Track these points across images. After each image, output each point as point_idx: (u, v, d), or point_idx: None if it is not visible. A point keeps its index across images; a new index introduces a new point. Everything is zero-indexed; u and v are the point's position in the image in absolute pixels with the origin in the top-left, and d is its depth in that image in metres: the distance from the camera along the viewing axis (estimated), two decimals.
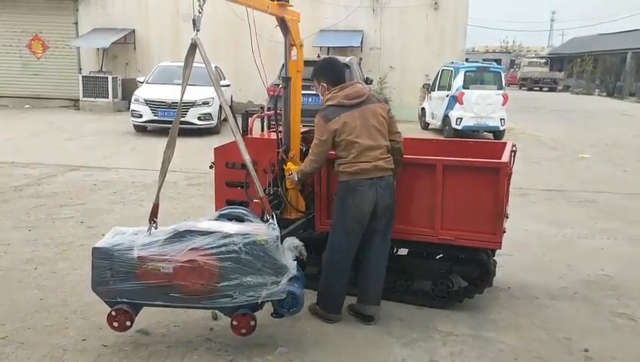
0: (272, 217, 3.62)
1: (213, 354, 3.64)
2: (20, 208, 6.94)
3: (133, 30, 19.19)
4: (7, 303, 4.31)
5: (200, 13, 3.47)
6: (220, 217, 3.72)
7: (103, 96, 17.95)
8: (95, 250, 3.52)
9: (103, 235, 5.87)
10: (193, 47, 3.47)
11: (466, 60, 16.55)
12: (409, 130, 15.03)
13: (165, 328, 3.96)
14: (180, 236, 3.52)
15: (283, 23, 4.42)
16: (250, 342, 3.72)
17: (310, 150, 4.06)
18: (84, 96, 18.09)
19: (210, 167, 4.98)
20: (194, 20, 3.45)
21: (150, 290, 3.50)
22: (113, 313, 3.54)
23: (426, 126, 15.97)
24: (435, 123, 15.05)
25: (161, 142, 12.53)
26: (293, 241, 3.67)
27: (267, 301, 3.54)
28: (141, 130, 14.01)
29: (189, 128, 13.50)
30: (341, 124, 3.86)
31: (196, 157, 10.60)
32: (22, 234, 5.94)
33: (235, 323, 3.52)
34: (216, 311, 4.03)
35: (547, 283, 4.99)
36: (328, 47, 17.57)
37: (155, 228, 3.58)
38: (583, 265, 5.48)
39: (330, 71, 4.14)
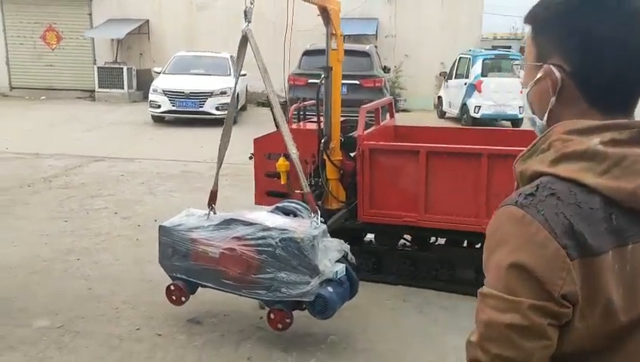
0: (317, 213, 3.62)
1: (265, 342, 3.69)
2: (51, 199, 7.00)
3: (147, 21, 19.15)
4: (56, 293, 4.37)
5: (252, 4, 3.49)
6: (276, 210, 3.75)
7: (119, 86, 17.95)
8: (160, 228, 3.77)
9: (139, 226, 6.05)
10: (244, 38, 3.50)
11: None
12: (427, 119, 15.02)
13: (215, 317, 4.01)
14: (227, 223, 3.60)
15: (325, 12, 4.43)
16: (301, 332, 3.77)
17: (479, 336, 1.00)
18: (99, 87, 18.11)
19: (250, 158, 5.01)
20: (245, 12, 3.47)
21: (203, 271, 3.64)
22: (172, 287, 3.74)
23: (442, 115, 15.92)
24: (453, 111, 15.00)
25: (180, 132, 12.74)
26: (339, 244, 3.61)
27: (297, 300, 3.46)
28: (159, 120, 14.02)
29: (207, 118, 13.53)
30: (605, 280, 0.93)
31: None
32: (58, 225, 6.00)
33: (272, 316, 3.53)
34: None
35: None
36: (343, 36, 17.47)
37: (214, 213, 3.69)
38: None
39: (596, 28, 0.99)
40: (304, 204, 3.78)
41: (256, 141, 4.96)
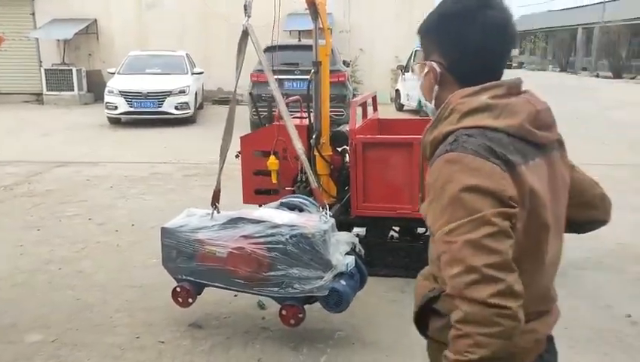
0: (325, 208, 3.59)
1: (274, 341, 3.63)
2: (18, 208, 6.68)
3: (95, 20, 18.55)
4: (44, 305, 4.17)
5: None
6: (281, 206, 3.69)
7: (68, 89, 17.31)
8: (163, 229, 3.65)
9: (117, 231, 5.85)
10: (245, 33, 3.42)
11: None
12: (385, 112, 15.13)
13: (217, 320, 3.93)
14: (233, 222, 3.53)
15: (313, 7, 4.39)
16: (308, 327, 3.72)
17: (460, 261, 1.17)
18: (47, 90, 17.42)
19: (237, 156, 4.91)
20: (245, 6, 3.39)
21: (210, 272, 3.56)
22: (178, 289, 3.67)
23: (400, 107, 16.11)
24: (411, 104, 15.18)
25: (140, 133, 12.44)
26: (349, 237, 3.60)
27: (311, 295, 3.43)
28: (115, 122, 13.63)
29: (167, 118, 13.26)
30: (529, 185, 1.29)
31: (183, 148, 10.43)
32: (32, 234, 5.73)
33: (284, 312, 3.50)
34: (262, 301, 4.02)
35: (568, 256, 5.14)
36: (299, 31, 17.43)
37: (218, 213, 3.62)
38: (595, 235, 5.66)
39: (461, 34, 1.38)
40: (310, 199, 3.74)
41: (243, 138, 4.87)
